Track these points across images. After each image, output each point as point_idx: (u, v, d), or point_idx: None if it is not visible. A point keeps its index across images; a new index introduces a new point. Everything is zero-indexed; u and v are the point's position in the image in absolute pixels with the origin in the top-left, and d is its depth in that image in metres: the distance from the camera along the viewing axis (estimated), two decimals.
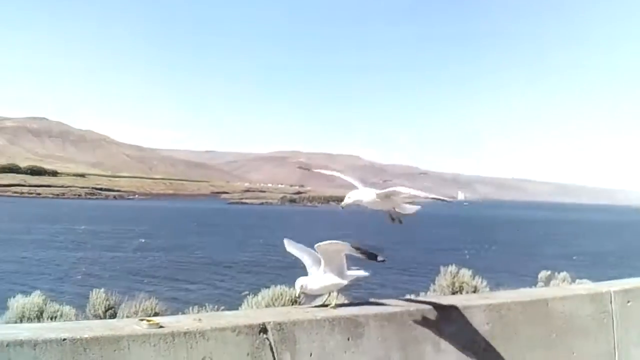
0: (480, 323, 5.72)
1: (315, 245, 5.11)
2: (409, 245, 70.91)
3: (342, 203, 5.16)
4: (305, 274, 5.33)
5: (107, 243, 70.68)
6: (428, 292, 13.17)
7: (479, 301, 6.06)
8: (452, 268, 13.27)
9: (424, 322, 5.37)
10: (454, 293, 12.43)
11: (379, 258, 5.00)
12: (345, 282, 5.25)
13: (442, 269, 13.45)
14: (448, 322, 5.52)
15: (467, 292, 12.22)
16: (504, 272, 43.26)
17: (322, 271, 5.17)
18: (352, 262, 5.31)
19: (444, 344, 5.40)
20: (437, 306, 5.65)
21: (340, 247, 5.07)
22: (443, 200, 5.03)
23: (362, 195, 5.10)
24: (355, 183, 5.27)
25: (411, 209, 5.34)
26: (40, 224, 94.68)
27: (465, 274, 13.16)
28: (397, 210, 5.23)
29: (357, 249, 4.98)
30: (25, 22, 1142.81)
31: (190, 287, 41.10)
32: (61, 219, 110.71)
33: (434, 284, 13.53)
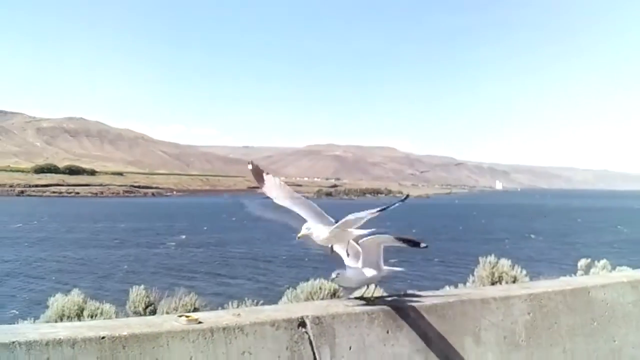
0: (520, 313, 5.68)
1: (360, 240, 5.09)
2: (448, 237, 70.65)
3: (299, 234, 5.09)
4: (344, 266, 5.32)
5: (147, 240, 71.11)
6: (467, 283, 13.08)
7: (519, 291, 6.01)
8: (491, 258, 13.14)
9: (464, 313, 5.34)
10: (493, 283, 12.32)
11: (422, 244, 4.91)
12: (382, 275, 5.23)
13: (480, 259, 13.33)
14: (488, 312, 5.49)
15: (506, 282, 12.10)
16: (543, 261, 42.98)
17: (360, 264, 5.16)
18: (389, 254, 5.28)
19: (484, 335, 5.37)
20: (476, 297, 5.63)
21: (383, 239, 5.03)
22: (392, 206, 4.88)
23: (317, 231, 5.04)
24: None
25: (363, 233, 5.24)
26: (81, 223, 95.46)
27: (505, 264, 13.02)
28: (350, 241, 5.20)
29: (399, 238, 4.94)
30: (62, 25, 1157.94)
31: (230, 282, 41.20)
32: (101, 217, 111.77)
33: (473, 274, 13.42)
